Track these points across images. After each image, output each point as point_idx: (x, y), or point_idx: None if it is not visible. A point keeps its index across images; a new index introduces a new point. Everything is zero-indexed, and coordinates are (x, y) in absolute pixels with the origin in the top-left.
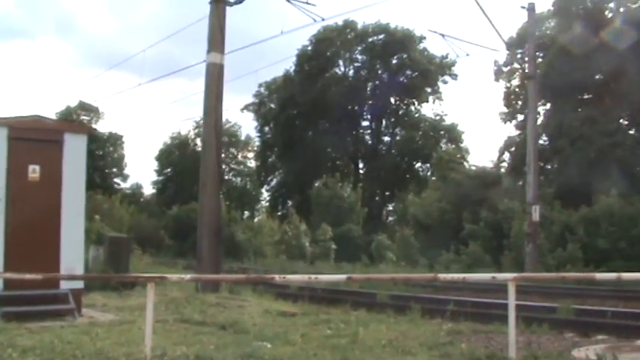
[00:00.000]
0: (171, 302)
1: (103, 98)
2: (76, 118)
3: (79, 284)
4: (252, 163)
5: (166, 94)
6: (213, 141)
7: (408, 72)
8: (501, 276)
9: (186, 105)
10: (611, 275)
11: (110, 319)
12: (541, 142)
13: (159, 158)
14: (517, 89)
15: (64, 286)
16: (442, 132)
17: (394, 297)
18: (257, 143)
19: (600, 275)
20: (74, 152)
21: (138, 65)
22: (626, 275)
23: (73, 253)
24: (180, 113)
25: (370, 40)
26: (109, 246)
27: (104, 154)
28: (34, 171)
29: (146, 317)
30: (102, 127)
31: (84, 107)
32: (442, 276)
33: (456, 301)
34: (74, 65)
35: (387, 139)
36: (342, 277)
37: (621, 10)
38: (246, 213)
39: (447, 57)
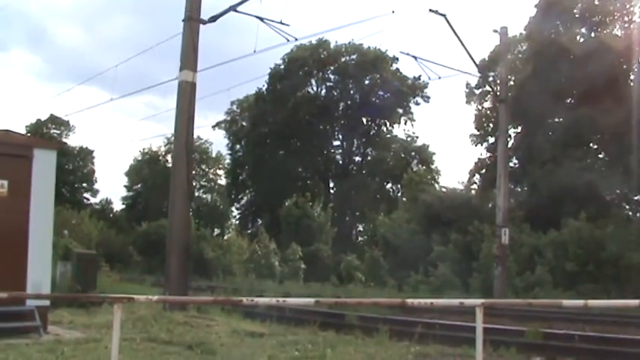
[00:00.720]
0: (139, 320)
1: (74, 112)
2: (46, 132)
3: (46, 301)
4: (222, 181)
5: (138, 109)
6: (184, 159)
7: (380, 93)
8: (469, 302)
9: (158, 121)
10: (578, 302)
11: (76, 337)
12: (511, 164)
13: (129, 174)
14: (488, 112)
15: (30, 302)
16: (413, 153)
17: (362, 318)
18: (228, 160)
19: (567, 302)
20: (43, 168)
21: (110, 80)
22: (593, 302)
23: (40, 270)
24: (151, 129)
25: (343, 60)
26: (77, 262)
27: (74, 169)
28: (1, 186)
29: (112, 338)
30: (72, 141)
31: (54, 121)
32: (410, 301)
33: (424, 324)
34: (46, 79)
35: (358, 159)
36: (310, 300)
37: (592, 35)
38: (216, 230)
39: (419, 79)
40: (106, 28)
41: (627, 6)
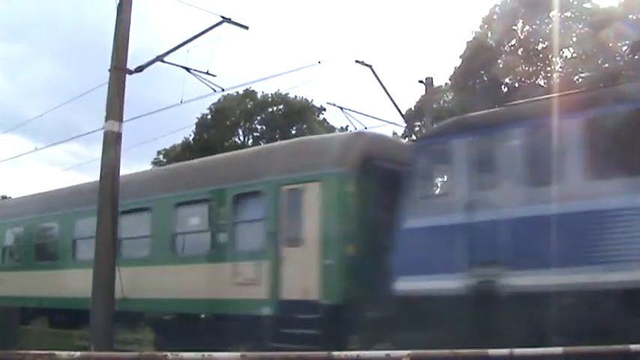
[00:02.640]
0: None
1: None
2: None
3: None
4: None
5: (62, 158)
6: (109, 210)
7: None
8: (395, 353)
9: (82, 171)
10: (504, 351)
11: None
12: None
13: None
14: None
15: None
16: None
17: None
18: None
19: (493, 351)
20: None
21: (33, 129)
22: (518, 351)
23: None
24: (75, 179)
25: (269, 110)
26: None
27: None
28: None
29: None
30: None
31: None
32: (336, 354)
33: None
34: None
35: None
36: (237, 354)
37: (517, 85)
38: None
39: (346, 129)
40: (29, 75)
41: (550, 56)
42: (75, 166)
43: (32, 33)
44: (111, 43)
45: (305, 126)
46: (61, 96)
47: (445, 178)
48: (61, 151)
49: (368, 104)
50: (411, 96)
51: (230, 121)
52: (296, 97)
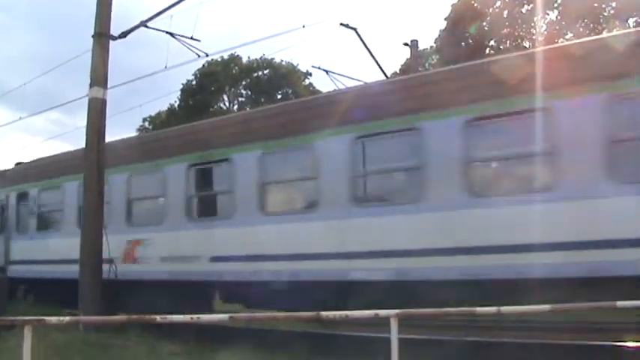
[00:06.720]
0: (52, 343)
1: None
2: None
3: None
4: None
5: (43, 127)
6: (95, 177)
7: None
8: (384, 312)
9: (64, 140)
10: (491, 309)
11: None
12: None
13: None
14: None
15: None
16: None
17: (281, 333)
18: None
19: (480, 309)
20: None
21: (14, 98)
22: (505, 308)
23: None
24: (58, 148)
25: (255, 74)
26: None
27: None
28: None
29: None
30: None
31: None
32: (325, 314)
33: (342, 337)
34: None
35: None
36: (225, 316)
37: (501, 47)
38: None
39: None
40: (9, 44)
41: (534, 18)
42: (58, 135)
43: (9, 2)
44: (92, 10)
45: (290, 90)
46: (41, 64)
47: None
48: (42, 120)
49: (354, 67)
50: (396, 59)
51: (215, 86)
52: (282, 61)
